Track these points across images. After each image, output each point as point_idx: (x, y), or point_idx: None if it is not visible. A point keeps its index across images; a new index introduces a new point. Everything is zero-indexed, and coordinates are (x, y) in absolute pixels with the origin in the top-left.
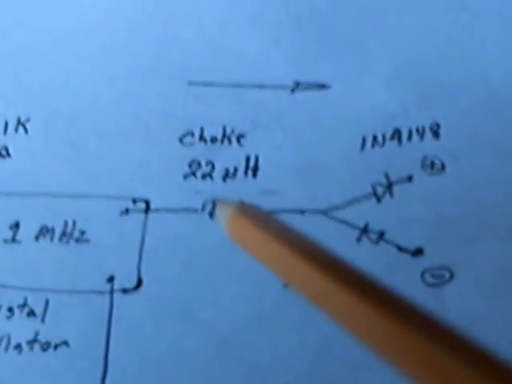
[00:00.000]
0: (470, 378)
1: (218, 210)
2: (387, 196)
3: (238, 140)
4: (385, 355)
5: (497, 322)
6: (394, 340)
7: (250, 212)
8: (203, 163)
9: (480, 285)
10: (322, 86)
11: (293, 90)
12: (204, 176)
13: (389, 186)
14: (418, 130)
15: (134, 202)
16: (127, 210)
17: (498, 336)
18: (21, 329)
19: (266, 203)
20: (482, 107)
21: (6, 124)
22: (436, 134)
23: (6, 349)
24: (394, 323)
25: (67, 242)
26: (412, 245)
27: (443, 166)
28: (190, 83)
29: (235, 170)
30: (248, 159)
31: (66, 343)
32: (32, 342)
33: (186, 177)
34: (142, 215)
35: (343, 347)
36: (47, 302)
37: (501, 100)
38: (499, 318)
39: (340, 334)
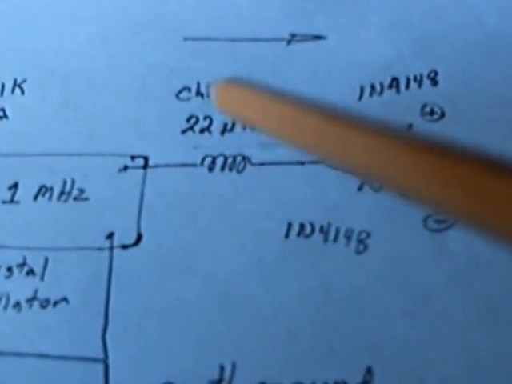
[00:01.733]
0: None
1: (211, 91)
2: None
3: None
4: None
5: (500, 265)
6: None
7: (236, 83)
8: (201, 118)
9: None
10: (318, 38)
11: (288, 42)
12: (202, 130)
13: None
14: (415, 78)
15: (133, 158)
16: (126, 167)
17: (502, 279)
18: (20, 287)
19: (265, 155)
20: (479, 52)
21: (3, 85)
22: (434, 81)
23: (5, 307)
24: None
25: (66, 200)
26: None
27: (443, 113)
28: (186, 38)
29: (233, 123)
30: None
31: (65, 300)
32: (31, 300)
33: (184, 132)
34: (141, 171)
35: (345, 294)
36: (46, 261)
37: (496, 43)
38: (502, 261)
39: (341, 280)
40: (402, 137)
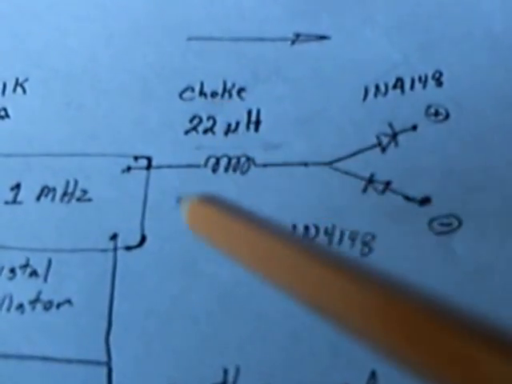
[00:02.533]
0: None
1: (181, 206)
2: (392, 146)
3: (239, 94)
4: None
5: (504, 269)
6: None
7: (209, 202)
8: (204, 118)
9: (488, 232)
10: (323, 38)
11: (293, 42)
12: (205, 131)
13: (393, 136)
14: (420, 79)
15: (136, 159)
16: (129, 168)
17: (505, 283)
18: (23, 289)
19: (269, 157)
20: (484, 53)
21: (5, 85)
22: (439, 82)
23: (8, 309)
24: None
25: (69, 201)
26: (419, 194)
27: (447, 114)
28: (189, 38)
29: (237, 124)
30: (250, 113)
31: (69, 302)
32: (34, 302)
33: (187, 132)
34: (144, 172)
35: None
36: (50, 262)
37: (502, 46)
38: (506, 266)
39: None
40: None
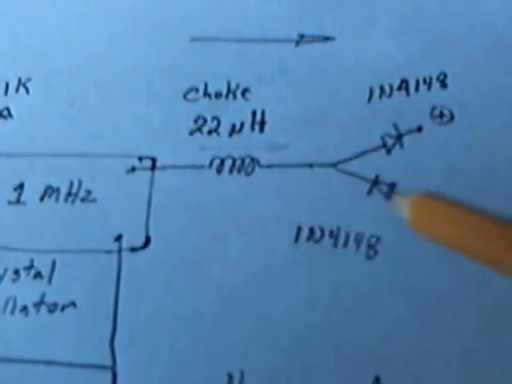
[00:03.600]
0: None
1: (396, 203)
2: (397, 147)
3: (243, 94)
4: None
5: None
6: None
7: (428, 198)
8: (209, 119)
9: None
10: (327, 39)
11: (297, 43)
12: (210, 132)
13: (398, 137)
14: (425, 80)
15: (140, 159)
16: (133, 168)
17: (510, 285)
18: (27, 291)
19: (274, 158)
20: (488, 54)
21: (7, 85)
22: (443, 83)
23: (12, 311)
24: None
25: (73, 201)
26: None
27: (452, 116)
28: (193, 39)
29: (242, 124)
30: (254, 113)
31: (73, 304)
32: (38, 304)
33: (191, 133)
34: (149, 173)
35: (354, 300)
36: (54, 263)
37: (506, 47)
38: None
39: (351, 286)
40: None
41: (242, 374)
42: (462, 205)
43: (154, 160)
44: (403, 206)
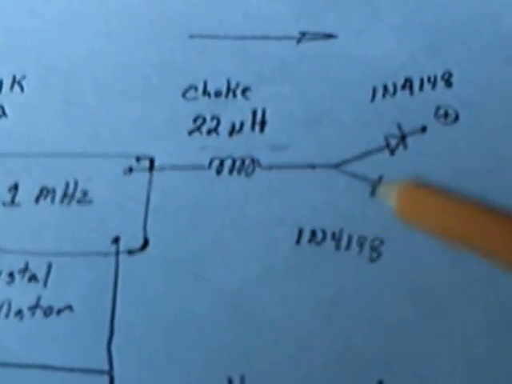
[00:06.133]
0: None
1: (381, 192)
2: (401, 147)
3: (244, 93)
4: None
5: None
6: None
7: (416, 185)
8: (208, 118)
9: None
10: (329, 36)
11: (298, 41)
12: (209, 131)
13: (402, 138)
14: (429, 79)
15: (138, 160)
16: (131, 169)
17: None
18: (22, 294)
19: (275, 158)
20: (494, 54)
21: (1, 82)
22: (448, 82)
23: (7, 315)
24: None
25: (69, 203)
26: None
27: (457, 116)
28: (192, 36)
29: (242, 124)
30: (255, 113)
31: (69, 307)
32: (34, 308)
33: (190, 133)
34: (147, 173)
35: (357, 303)
36: (49, 266)
37: None
38: None
39: (354, 289)
40: None
41: (243, 379)
42: (450, 192)
43: (152, 160)
44: (388, 196)
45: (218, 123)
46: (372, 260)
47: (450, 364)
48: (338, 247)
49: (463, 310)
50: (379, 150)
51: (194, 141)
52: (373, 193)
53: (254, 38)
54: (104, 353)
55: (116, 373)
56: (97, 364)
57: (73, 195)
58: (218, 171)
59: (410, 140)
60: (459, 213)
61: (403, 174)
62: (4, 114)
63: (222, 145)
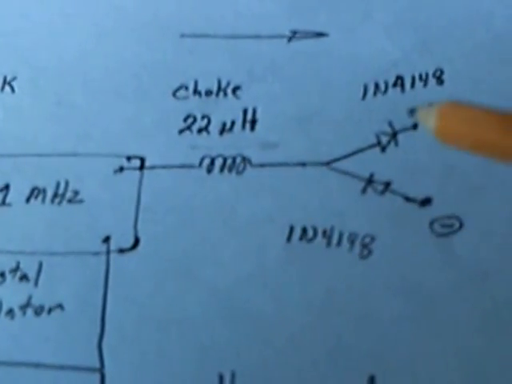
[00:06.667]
0: None
1: (421, 115)
2: (392, 145)
3: (234, 92)
4: None
5: (507, 271)
6: None
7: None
8: (199, 117)
9: (491, 233)
10: (320, 35)
11: (289, 40)
12: (200, 130)
13: (393, 135)
14: (421, 77)
15: (129, 159)
16: (121, 168)
17: (507, 285)
18: (13, 294)
19: (266, 156)
20: (486, 52)
21: None
22: (440, 80)
23: None
24: None
25: (60, 202)
26: (419, 194)
27: None
28: (183, 35)
29: (232, 123)
30: (245, 112)
31: (60, 306)
32: (25, 307)
33: (181, 132)
34: (137, 173)
35: (348, 300)
36: (40, 265)
37: (504, 44)
38: (509, 267)
39: (345, 286)
40: None
41: (233, 375)
42: (489, 107)
43: (142, 159)
44: (429, 117)
45: (209, 122)
46: (363, 257)
47: (442, 359)
48: (328, 244)
49: (455, 307)
50: (370, 147)
51: (184, 140)
52: (411, 115)
53: (245, 36)
54: (95, 351)
55: (107, 370)
56: (88, 362)
57: (63, 195)
58: (209, 170)
59: (401, 137)
60: (503, 124)
61: (395, 172)
62: None
63: (213, 144)
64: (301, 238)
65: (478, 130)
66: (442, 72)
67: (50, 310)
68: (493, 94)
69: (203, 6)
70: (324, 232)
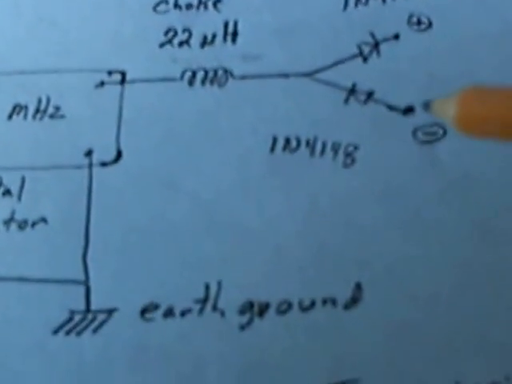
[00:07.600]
0: None
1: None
2: (374, 55)
3: (215, 5)
4: None
5: (492, 175)
6: None
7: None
8: (179, 30)
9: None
10: None
11: None
12: (181, 43)
13: (375, 45)
14: None
15: (109, 73)
16: (102, 83)
17: (494, 189)
18: None
19: (248, 68)
20: None
21: None
22: None
23: None
24: None
25: (41, 118)
26: (402, 103)
27: (430, 23)
28: None
29: (213, 35)
30: (226, 24)
31: (44, 220)
32: (8, 222)
33: (162, 45)
34: (118, 87)
35: (333, 208)
36: (23, 180)
37: None
38: (494, 171)
39: (329, 194)
40: None
41: (220, 284)
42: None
43: (123, 74)
44: (447, 108)
45: (190, 35)
46: (346, 165)
47: (427, 264)
48: (312, 154)
49: (440, 211)
50: (352, 57)
51: (165, 53)
52: (426, 109)
53: None
54: (79, 263)
55: (92, 282)
56: (73, 274)
57: (45, 111)
58: (191, 83)
59: (383, 47)
60: None
61: (377, 81)
62: None
63: (194, 56)
64: (284, 149)
65: (508, 113)
66: None
67: (33, 224)
68: (474, 3)
69: None
70: (307, 142)
